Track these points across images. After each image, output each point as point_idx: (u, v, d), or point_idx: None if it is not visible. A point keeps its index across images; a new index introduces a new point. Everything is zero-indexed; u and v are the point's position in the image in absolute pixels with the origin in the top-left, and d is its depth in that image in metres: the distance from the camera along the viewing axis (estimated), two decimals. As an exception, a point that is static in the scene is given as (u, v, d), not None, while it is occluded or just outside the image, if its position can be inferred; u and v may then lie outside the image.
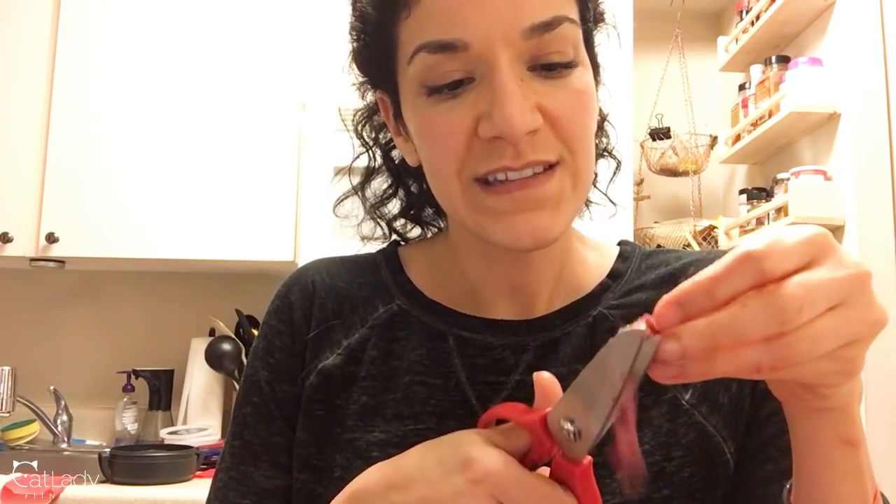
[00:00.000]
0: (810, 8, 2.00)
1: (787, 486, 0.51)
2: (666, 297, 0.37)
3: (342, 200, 0.75)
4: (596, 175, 0.71)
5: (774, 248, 0.36)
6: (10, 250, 2.08)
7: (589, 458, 0.43)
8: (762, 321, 0.36)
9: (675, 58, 2.47)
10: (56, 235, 2.06)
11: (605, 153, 0.71)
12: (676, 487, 0.58)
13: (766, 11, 2.10)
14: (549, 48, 0.55)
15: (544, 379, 0.47)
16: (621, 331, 0.40)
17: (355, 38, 0.64)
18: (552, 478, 0.44)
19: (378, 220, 0.74)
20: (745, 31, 2.24)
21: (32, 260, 2.13)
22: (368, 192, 0.73)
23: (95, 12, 2.15)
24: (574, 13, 0.56)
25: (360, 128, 0.72)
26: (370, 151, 0.73)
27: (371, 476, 0.50)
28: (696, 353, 0.37)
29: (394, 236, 0.74)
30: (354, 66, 0.66)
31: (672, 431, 0.60)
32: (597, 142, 0.69)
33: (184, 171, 2.11)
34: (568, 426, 0.42)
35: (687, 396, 0.61)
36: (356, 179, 0.74)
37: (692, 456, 0.59)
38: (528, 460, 0.45)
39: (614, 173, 0.72)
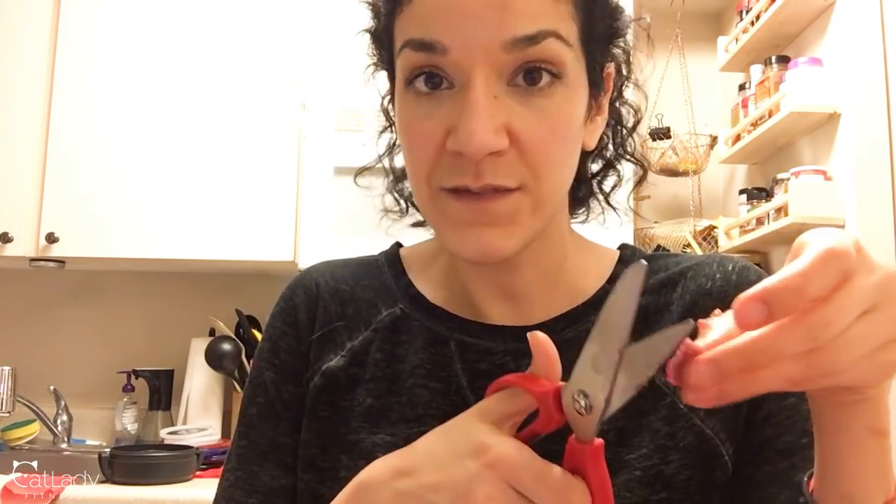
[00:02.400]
0: (810, 8, 2.00)
1: (806, 476, 0.51)
2: (749, 294, 0.36)
3: (362, 172, 0.76)
4: (601, 181, 0.70)
5: (852, 247, 0.37)
6: (10, 250, 2.08)
7: (600, 440, 0.43)
8: (796, 338, 0.36)
9: (675, 58, 2.47)
10: (56, 235, 2.06)
11: (623, 157, 0.70)
12: (674, 490, 0.58)
13: (766, 11, 2.10)
14: (531, 65, 0.54)
15: (541, 339, 0.46)
16: (620, 279, 0.40)
17: (371, 16, 0.64)
18: (566, 462, 0.43)
19: (398, 194, 0.74)
20: (745, 31, 2.24)
21: (32, 260, 2.13)
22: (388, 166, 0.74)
23: (95, 12, 2.15)
24: (565, 30, 0.54)
25: (385, 102, 0.72)
26: (392, 127, 0.73)
27: (377, 467, 0.49)
28: (734, 375, 0.37)
29: (412, 211, 0.74)
30: (371, 42, 0.67)
31: (670, 435, 0.59)
32: (611, 144, 0.69)
33: (184, 171, 2.11)
34: (580, 400, 0.42)
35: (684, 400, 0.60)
36: (372, 177, 0.75)
37: (690, 459, 0.59)
38: (530, 431, 0.46)
39: (614, 187, 0.71)
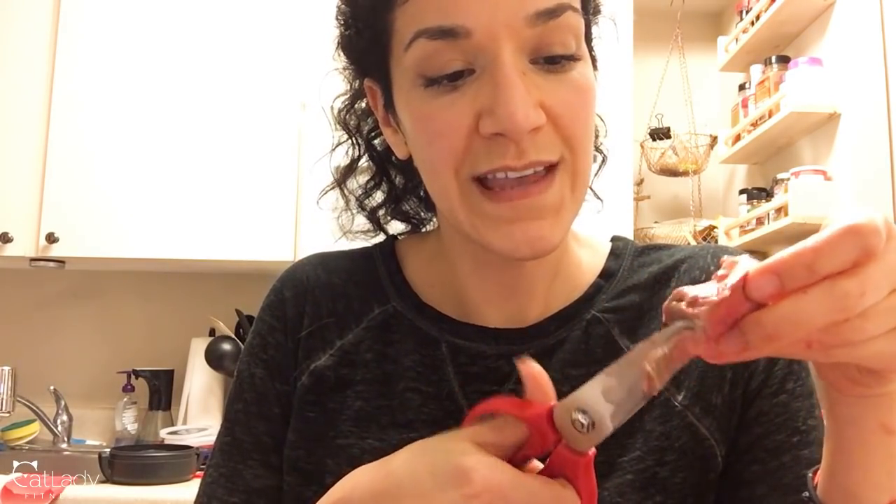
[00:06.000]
0: (810, 8, 2.00)
1: (810, 472, 0.51)
2: (764, 265, 0.35)
3: (325, 193, 0.73)
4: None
5: (876, 224, 0.35)
6: (10, 250, 2.08)
7: (593, 449, 0.42)
8: (825, 309, 0.35)
9: (675, 58, 2.47)
10: (56, 235, 2.06)
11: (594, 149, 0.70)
12: (669, 494, 0.57)
13: (766, 11, 2.10)
14: (553, 38, 0.53)
15: (533, 368, 0.45)
16: (666, 329, 0.39)
17: (344, 23, 0.62)
18: (548, 468, 0.42)
19: (364, 212, 0.71)
20: (745, 31, 2.24)
21: (32, 260, 2.13)
22: (352, 185, 0.71)
23: (95, 12, 2.15)
24: (577, 1, 0.55)
25: (342, 115, 0.70)
26: (353, 139, 0.70)
27: (356, 482, 0.47)
28: (758, 345, 0.36)
29: (380, 232, 0.72)
30: (341, 53, 0.64)
31: (665, 435, 0.58)
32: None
33: (184, 171, 2.11)
34: (580, 417, 0.41)
35: (680, 398, 0.59)
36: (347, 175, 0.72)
37: (685, 460, 0.58)
38: (522, 455, 0.44)
39: (600, 167, 0.71)
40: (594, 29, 0.62)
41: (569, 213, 0.56)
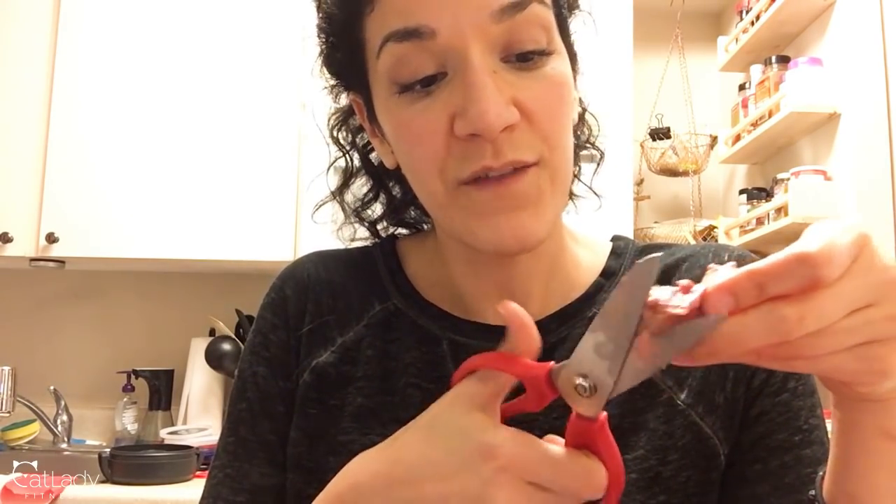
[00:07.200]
0: (810, 8, 2.00)
1: (821, 472, 0.50)
2: (721, 284, 0.37)
3: (321, 206, 0.73)
4: (579, 167, 0.70)
5: (832, 253, 0.36)
6: (10, 250, 2.08)
7: (604, 413, 0.41)
8: (761, 331, 0.36)
9: (675, 58, 2.47)
10: (56, 235, 2.06)
11: (588, 145, 0.70)
12: (673, 493, 0.57)
13: (766, 11, 2.10)
14: (522, 34, 0.53)
15: (520, 313, 0.44)
16: (630, 271, 0.40)
17: (323, 39, 0.62)
18: (570, 438, 0.42)
19: (361, 222, 0.72)
20: (745, 31, 2.24)
21: (32, 260, 2.13)
22: (349, 197, 0.72)
23: (95, 12, 2.15)
24: None
25: (335, 131, 0.71)
26: (347, 155, 0.71)
27: (362, 472, 0.46)
28: (700, 357, 0.38)
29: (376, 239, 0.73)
30: (325, 70, 0.65)
31: (668, 434, 0.58)
32: (578, 133, 0.67)
33: (184, 171, 2.11)
34: (581, 381, 0.41)
35: (682, 396, 0.59)
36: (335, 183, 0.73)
37: (689, 459, 0.58)
38: (520, 408, 0.44)
39: (598, 164, 0.70)
40: (576, 24, 0.62)
41: (550, 207, 0.56)
